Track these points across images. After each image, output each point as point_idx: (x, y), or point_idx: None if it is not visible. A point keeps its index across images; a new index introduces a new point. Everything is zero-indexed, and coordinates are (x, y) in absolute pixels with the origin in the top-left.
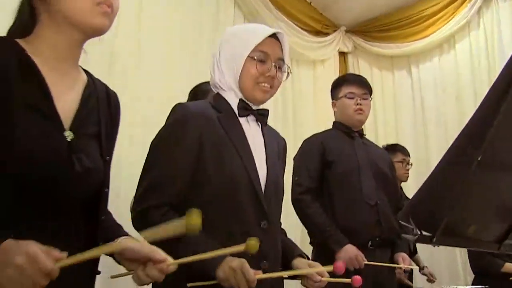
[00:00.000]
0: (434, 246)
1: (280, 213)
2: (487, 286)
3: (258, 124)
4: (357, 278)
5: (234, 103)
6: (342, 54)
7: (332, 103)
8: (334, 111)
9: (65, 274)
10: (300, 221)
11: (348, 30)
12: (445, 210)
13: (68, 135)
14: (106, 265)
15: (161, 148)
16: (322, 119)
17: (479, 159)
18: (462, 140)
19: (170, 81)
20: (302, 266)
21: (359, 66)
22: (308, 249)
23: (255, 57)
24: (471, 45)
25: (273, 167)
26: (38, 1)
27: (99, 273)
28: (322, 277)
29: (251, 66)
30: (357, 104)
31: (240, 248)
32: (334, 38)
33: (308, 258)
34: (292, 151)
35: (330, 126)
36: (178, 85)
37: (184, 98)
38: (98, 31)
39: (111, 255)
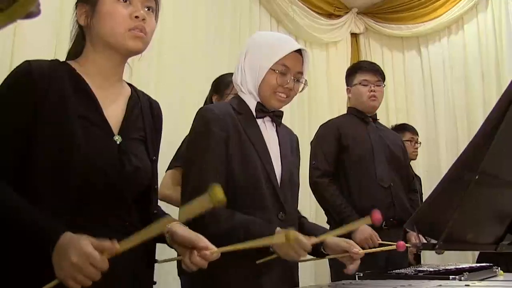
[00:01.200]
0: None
1: (296, 205)
2: (491, 264)
3: (273, 125)
4: (402, 243)
5: (252, 105)
6: (354, 36)
7: (347, 89)
8: (349, 97)
9: (125, 265)
10: (318, 203)
11: (359, 12)
12: (446, 221)
13: (117, 139)
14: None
15: (197, 155)
16: (335, 99)
17: (476, 178)
18: (460, 164)
19: (191, 78)
20: (338, 242)
21: (371, 47)
22: None
23: (277, 71)
24: (479, 26)
25: (287, 163)
26: (85, 27)
27: (156, 261)
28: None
29: (271, 78)
30: (371, 91)
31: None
32: (346, 20)
33: None
34: (307, 132)
35: (344, 106)
36: (199, 84)
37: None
38: (133, 52)
39: (164, 240)
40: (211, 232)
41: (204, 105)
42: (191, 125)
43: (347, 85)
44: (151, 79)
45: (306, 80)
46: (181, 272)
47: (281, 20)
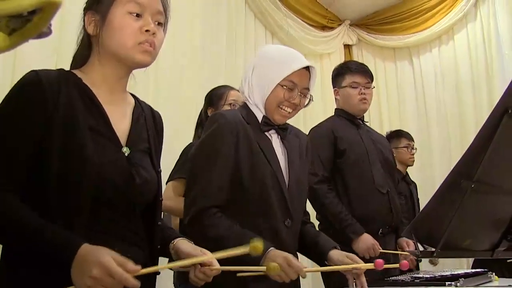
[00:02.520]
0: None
1: (303, 210)
2: (486, 269)
3: (278, 137)
4: (380, 261)
5: (259, 117)
6: (347, 47)
7: (335, 91)
8: (336, 99)
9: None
10: (314, 209)
11: (352, 24)
12: (443, 229)
13: (126, 151)
14: None
15: (204, 158)
16: (330, 109)
17: (472, 186)
18: (456, 172)
19: (187, 90)
20: (340, 257)
21: (363, 58)
22: None
23: (285, 86)
24: (469, 36)
25: (294, 170)
26: (93, 36)
27: (159, 273)
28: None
29: (279, 92)
30: (361, 93)
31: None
32: (339, 32)
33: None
34: None
35: None
36: (195, 95)
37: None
38: (140, 66)
39: (168, 254)
40: (208, 236)
41: (199, 119)
42: (189, 136)
43: (334, 86)
44: (149, 92)
45: (312, 96)
46: (178, 282)
47: (276, 32)
